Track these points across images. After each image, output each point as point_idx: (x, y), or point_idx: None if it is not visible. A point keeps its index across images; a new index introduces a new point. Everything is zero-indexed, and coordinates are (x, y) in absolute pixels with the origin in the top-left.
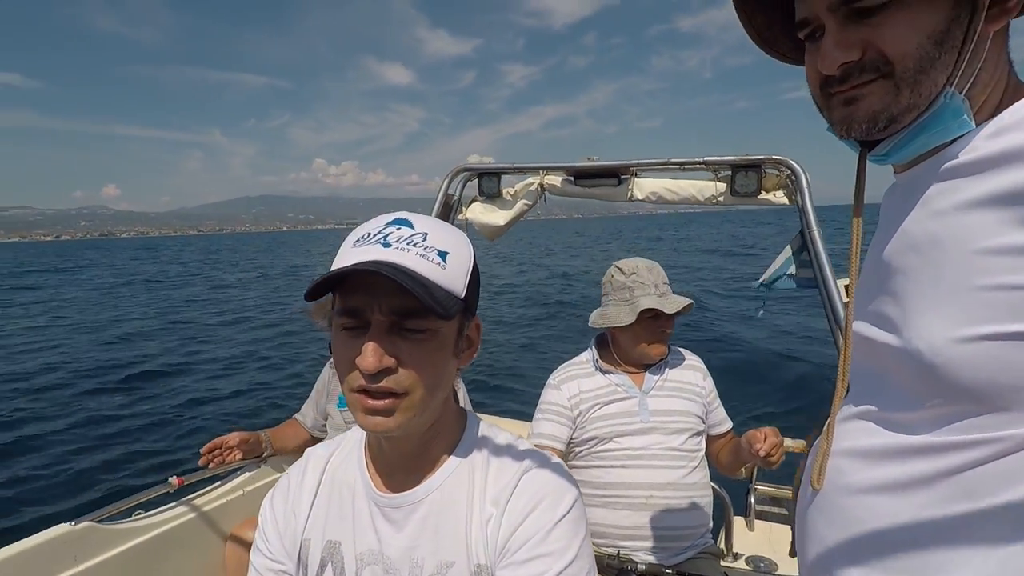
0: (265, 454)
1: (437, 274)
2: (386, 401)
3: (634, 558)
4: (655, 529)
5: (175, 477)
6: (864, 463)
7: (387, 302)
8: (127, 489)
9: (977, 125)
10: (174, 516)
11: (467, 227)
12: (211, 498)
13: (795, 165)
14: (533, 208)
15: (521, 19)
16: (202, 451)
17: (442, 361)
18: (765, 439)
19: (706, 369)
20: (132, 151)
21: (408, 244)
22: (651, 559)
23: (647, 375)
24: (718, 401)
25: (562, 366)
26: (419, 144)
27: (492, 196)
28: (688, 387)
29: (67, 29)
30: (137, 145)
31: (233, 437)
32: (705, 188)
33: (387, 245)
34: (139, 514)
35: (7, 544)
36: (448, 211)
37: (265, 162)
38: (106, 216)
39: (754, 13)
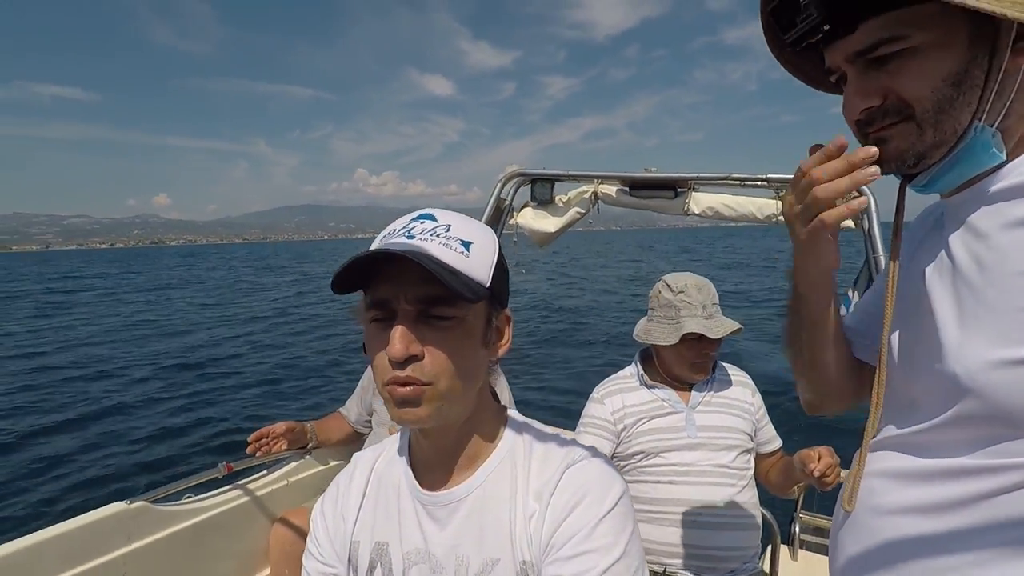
0: (310, 445)
1: (460, 262)
2: (413, 388)
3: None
4: (703, 548)
5: (224, 463)
6: (897, 484)
7: (412, 291)
8: (180, 473)
9: (1020, 153)
10: (222, 501)
11: (517, 232)
12: (258, 486)
13: (864, 188)
14: (585, 217)
15: (563, 31)
16: (249, 439)
17: (470, 350)
18: (820, 459)
19: (755, 386)
20: (182, 161)
21: (431, 235)
22: None
23: (693, 391)
24: (767, 419)
25: (606, 380)
26: (458, 155)
27: (544, 203)
28: (736, 403)
29: (125, 43)
30: (187, 155)
31: (279, 426)
32: (765, 206)
33: (411, 237)
34: (188, 497)
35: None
36: (499, 215)
37: (308, 172)
38: (157, 224)
39: (800, 63)
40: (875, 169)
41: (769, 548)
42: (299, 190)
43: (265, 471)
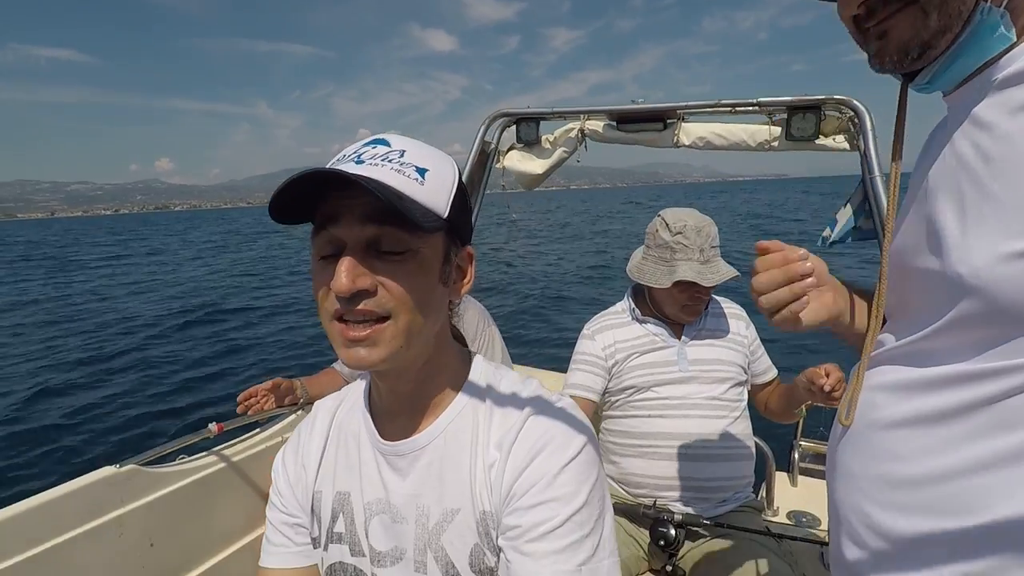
0: (301, 401)
1: (413, 189)
2: (368, 331)
3: (672, 508)
4: (694, 480)
5: (215, 424)
6: (897, 396)
7: (361, 219)
8: (169, 435)
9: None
10: (215, 461)
11: (504, 175)
12: (250, 444)
13: (859, 105)
14: (573, 155)
15: None
16: (238, 399)
17: (426, 285)
18: (828, 375)
19: (748, 318)
20: (183, 124)
21: (383, 160)
22: (689, 510)
23: (685, 325)
24: (762, 349)
25: (597, 316)
26: (461, 112)
27: (530, 143)
28: (729, 336)
29: (119, 3)
30: (188, 118)
31: (266, 384)
32: (758, 132)
33: (360, 162)
34: (182, 458)
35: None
36: (485, 159)
37: (310, 133)
38: (160, 189)
39: None
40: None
41: (765, 477)
42: (302, 152)
43: (259, 429)
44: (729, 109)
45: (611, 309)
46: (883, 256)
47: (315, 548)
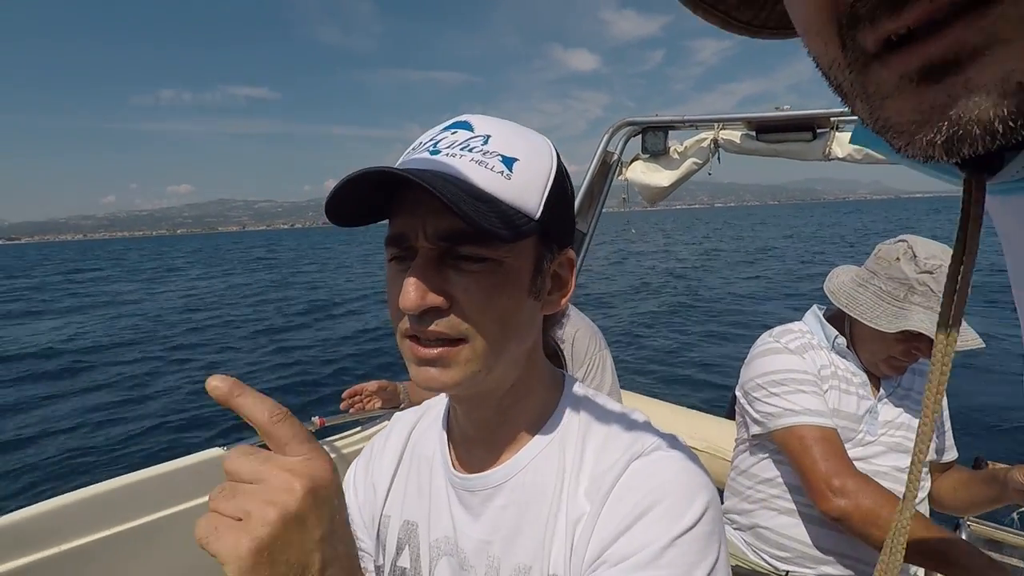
0: (402, 405)
1: (498, 185)
2: (439, 350)
3: None
4: (847, 557)
5: (318, 417)
6: None
7: (433, 223)
8: None
9: None
10: None
11: (627, 188)
12: (349, 442)
13: None
14: (703, 168)
15: None
16: (343, 395)
17: (511, 301)
18: None
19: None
20: (346, 148)
21: (462, 149)
22: None
23: (883, 380)
24: (948, 423)
25: (782, 330)
26: (602, 130)
27: (657, 154)
28: (922, 404)
29: (300, 45)
30: (350, 143)
31: (372, 384)
32: None
33: (436, 152)
34: None
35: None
36: (606, 170)
37: None
38: None
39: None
40: None
41: None
42: None
43: (359, 428)
44: None
45: (792, 326)
46: None
47: None
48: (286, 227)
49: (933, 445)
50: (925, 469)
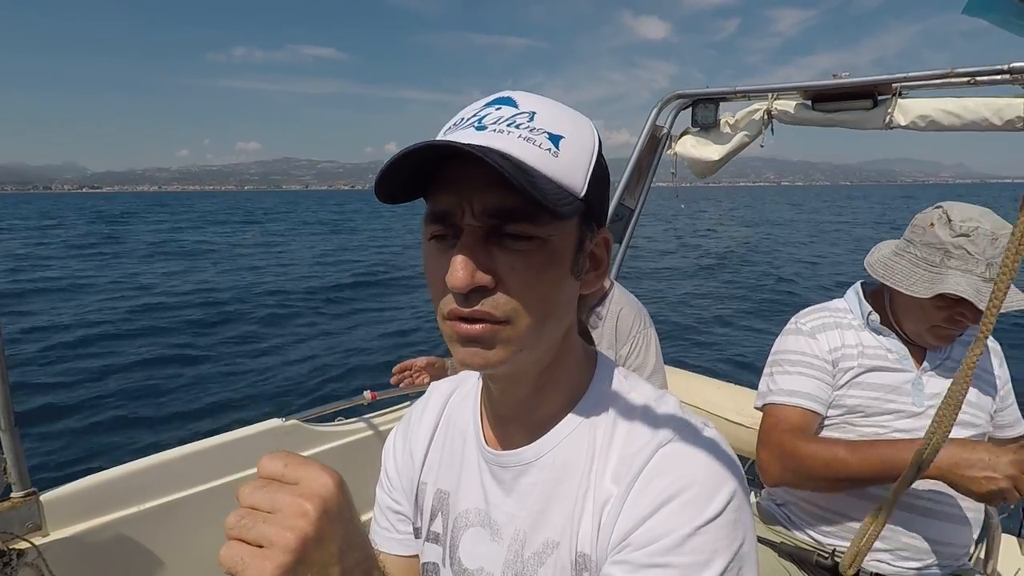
0: None
1: (545, 162)
2: (482, 327)
3: (864, 564)
4: (904, 537)
5: (369, 392)
6: None
7: (480, 200)
8: (331, 396)
9: None
10: (365, 428)
11: (676, 162)
12: (397, 416)
13: None
14: (756, 140)
15: None
16: (393, 371)
17: (555, 280)
18: None
19: (1003, 354)
20: (409, 112)
21: (508, 125)
22: (884, 568)
23: (928, 351)
24: (1012, 396)
25: (810, 310)
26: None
27: (707, 127)
28: (980, 372)
29: (369, 5)
30: (413, 106)
31: (420, 360)
32: (1007, 108)
33: (481, 128)
34: (340, 420)
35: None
36: (655, 144)
37: None
38: None
39: None
40: None
41: (987, 538)
42: None
43: (409, 402)
44: (967, 79)
45: (830, 304)
46: None
47: (416, 539)
48: (346, 188)
49: (990, 419)
50: (972, 432)
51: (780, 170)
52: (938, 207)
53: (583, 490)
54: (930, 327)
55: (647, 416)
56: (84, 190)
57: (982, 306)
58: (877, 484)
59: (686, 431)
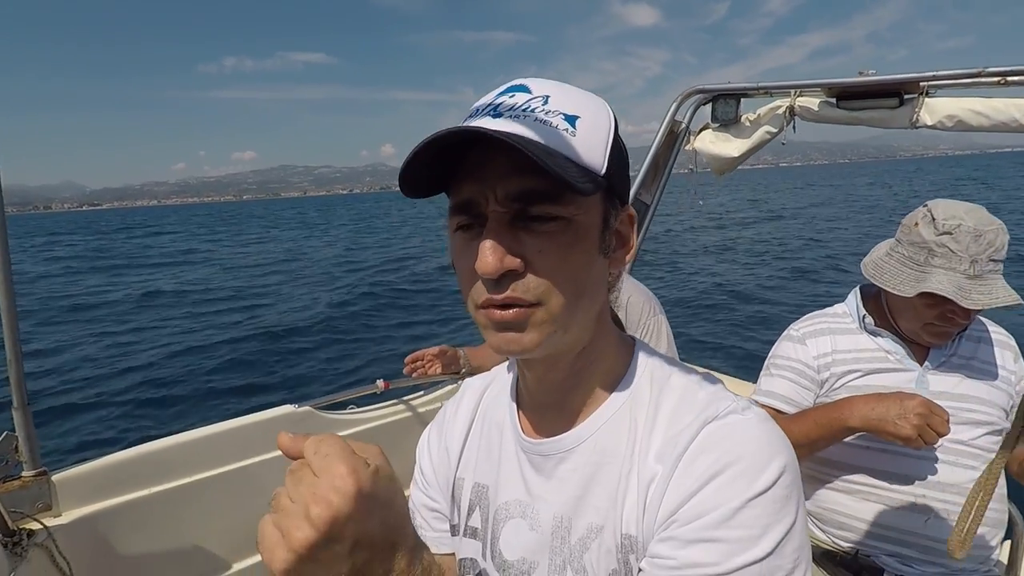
0: (463, 371)
1: (564, 142)
2: (515, 310)
3: (881, 564)
4: (917, 536)
5: (382, 381)
6: None
7: (503, 186)
8: (343, 385)
9: None
10: (379, 416)
11: (695, 158)
12: (412, 405)
13: None
14: (777, 137)
15: None
16: (406, 360)
17: (583, 259)
18: None
19: (1019, 350)
20: (403, 113)
21: (524, 110)
22: (906, 570)
23: (932, 348)
24: None
25: (809, 316)
26: (662, 88)
27: (727, 123)
28: (989, 367)
29: (355, 9)
30: (407, 107)
31: (433, 349)
32: None
33: (497, 115)
34: (351, 408)
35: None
36: (673, 140)
37: None
38: (384, 172)
39: None
40: None
41: (1012, 541)
42: None
43: (422, 392)
44: (998, 79)
45: (830, 310)
46: None
47: (453, 535)
48: (344, 192)
49: (1006, 415)
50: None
51: (778, 152)
52: (925, 205)
53: (626, 471)
54: (923, 325)
55: (690, 395)
56: (84, 208)
57: (964, 303)
58: (820, 447)
59: (732, 409)
